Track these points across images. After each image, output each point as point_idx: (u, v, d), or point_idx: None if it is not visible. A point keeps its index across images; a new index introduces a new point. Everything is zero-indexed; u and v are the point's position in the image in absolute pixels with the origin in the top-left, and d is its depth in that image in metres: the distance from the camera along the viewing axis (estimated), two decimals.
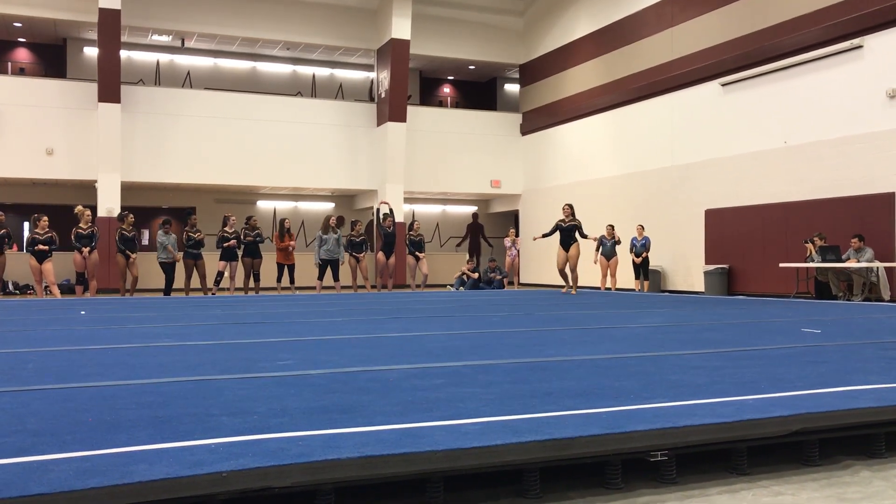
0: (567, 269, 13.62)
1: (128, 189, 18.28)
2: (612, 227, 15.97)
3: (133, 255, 13.90)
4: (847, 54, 12.72)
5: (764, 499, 2.38)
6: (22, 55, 21.23)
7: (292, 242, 15.32)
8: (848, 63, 12.74)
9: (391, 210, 16.70)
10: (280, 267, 15.26)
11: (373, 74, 21.58)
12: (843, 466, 2.73)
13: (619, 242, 15.76)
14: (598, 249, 15.96)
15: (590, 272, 17.29)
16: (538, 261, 20.34)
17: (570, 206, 13.63)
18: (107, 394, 3.22)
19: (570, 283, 13.70)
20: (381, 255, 16.06)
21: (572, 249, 13.38)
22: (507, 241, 18.20)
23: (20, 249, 18.62)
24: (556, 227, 13.48)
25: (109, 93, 17.23)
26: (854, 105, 12.60)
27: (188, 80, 21.28)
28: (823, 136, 13.10)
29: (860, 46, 12.49)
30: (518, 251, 18.39)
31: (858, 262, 11.80)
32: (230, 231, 14.63)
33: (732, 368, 3.91)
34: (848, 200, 12.65)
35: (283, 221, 15.64)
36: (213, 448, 2.24)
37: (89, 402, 3.02)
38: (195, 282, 14.47)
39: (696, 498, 2.39)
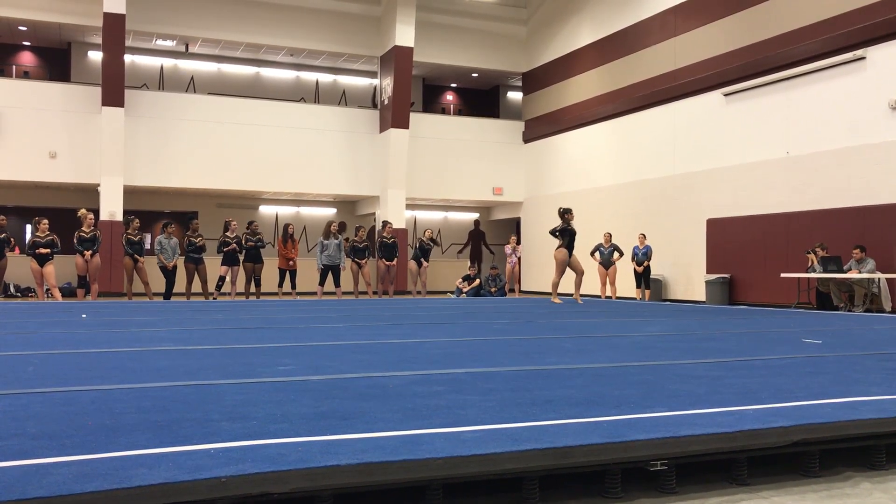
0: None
1: (130, 193, 18.31)
2: (610, 234, 15.96)
3: (141, 259, 13.93)
4: (850, 65, 12.74)
5: None
6: (26, 58, 21.30)
7: (295, 252, 15.34)
8: (850, 74, 12.76)
9: (384, 223, 16.74)
10: (282, 272, 15.28)
11: (376, 81, 21.63)
12: (843, 478, 2.72)
13: (618, 251, 15.69)
14: (592, 254, 15.93)
15: (590, 281, 17.28)
16: (539, 268, 20.35)
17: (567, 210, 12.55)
18: (107, 397, 3.22)
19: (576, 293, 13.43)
20: (381, 260, 16.08)
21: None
22: (508, 249, 18.20)
23: (21, 252, 18.64)
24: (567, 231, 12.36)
25: (113, 97, 17.27)
26: (856, 116, 12.61)
27: (192, 85, 21.33)
28: (825, 147, 13.11)
29: (863, 58, 12.51)
30: (519, 258, 18.38)
31: (860, 272, 11.79)
32: (232, 236, 14.65)
33: (733, 378, 3.91)
34: (850, 211, 12.65)
35: (286, 227, 15.65)
36: (213, 453, 2.24)
37: (89, 405, 3.02)
38: (196, 286, 14.47)
39: None
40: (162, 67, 21.46)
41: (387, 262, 16.03)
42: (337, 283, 15.22)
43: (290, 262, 15.26)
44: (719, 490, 2.57)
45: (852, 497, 2.51)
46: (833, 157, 12.97)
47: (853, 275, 11.82)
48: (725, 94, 15.07)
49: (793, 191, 13.66)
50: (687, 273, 16.07)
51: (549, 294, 13.35)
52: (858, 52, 12.54)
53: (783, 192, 13.84)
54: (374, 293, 16.40)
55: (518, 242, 18.97)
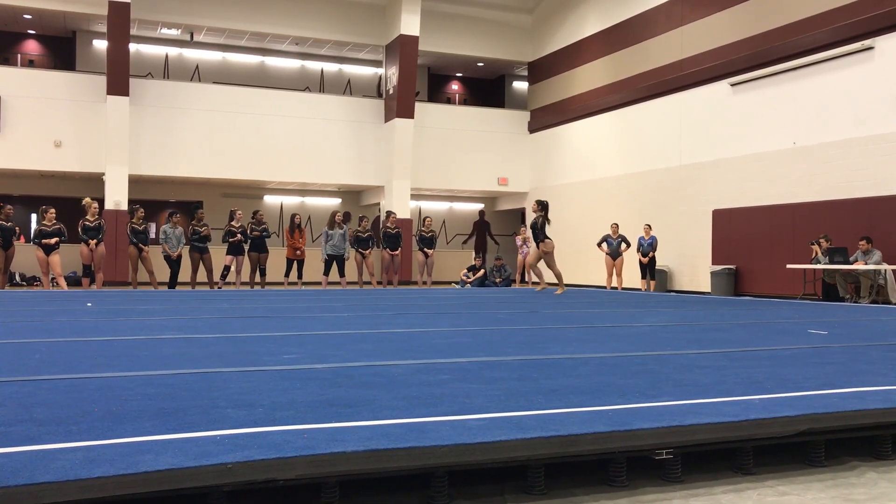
0: (538, 267, 12.97)
1: (135, 182, 18.33)
2: (617, 225, 15.93)
3: (146, 249, 13.97)
4: (857, 55, 12.67)
5: (769, 498, 2.38)
6: (31, 47, 21.29)
7: (303, 241, 15.34)
8: (858, 64, 12.68)
9: (388, 213, 16.75)
10: (289, 262, 15.30)
11: (381, 70, 21.58)
12: (849, 467, 2.72)
13: (626, 242, 15.66)
14: (599, 245, 15.91)
15: (595, 271, 17.27)
16: None
17: (538, 203, 12.49)
18: (112, 385, 3.22)
19: (540, 281, 13.30)
20: (386, 251, 16.10)
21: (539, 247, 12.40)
22: (519, 240, 18.19)
23: (27, 241, 18.69)
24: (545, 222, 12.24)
25: (118, 86, 17.27)
26: (863, 106, 12.55)
27: (197, 73, 21.31)
28: (832, 138, 13.05)
29: (871, 48, 12.43)
30: (530, 249, 18.34)
31: (866, 264, 11.76)
32: (236, 225, 14.66)
33: (738, 368, 3.90)
34: (856, 202, 12.60)
35: (293, 217, 15.66)
36: (219, 440, 2.24)
37: (95, 392, 3.03)
38: (201, 275, 14.50)
39: (700, 497, 2.39)
40: (167, 56, 21.44)
41: (391, 252, 16.05)
42: (342, 273, 15.23)
43: (298, 252, 15.27)
44: (725, 479, 2.56)
45: (858, 487, 2.50)
46: (840, 147, 12.92)
47: (859, 266, 11.78)
48: (732, 85, 14.99)
49: (799, 181, 13.61)
50: (692, 264, 16.05)
51: (556, 284, 13.28)
52: (867, 42, 12.47)
53: (789, 183, 13.79)
54: (379, 283, 16.41)
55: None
